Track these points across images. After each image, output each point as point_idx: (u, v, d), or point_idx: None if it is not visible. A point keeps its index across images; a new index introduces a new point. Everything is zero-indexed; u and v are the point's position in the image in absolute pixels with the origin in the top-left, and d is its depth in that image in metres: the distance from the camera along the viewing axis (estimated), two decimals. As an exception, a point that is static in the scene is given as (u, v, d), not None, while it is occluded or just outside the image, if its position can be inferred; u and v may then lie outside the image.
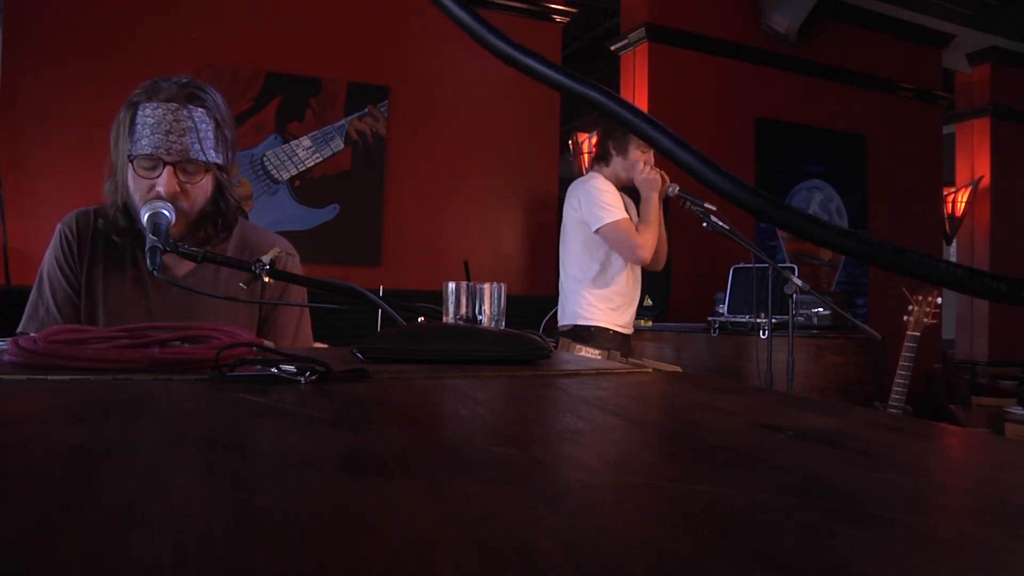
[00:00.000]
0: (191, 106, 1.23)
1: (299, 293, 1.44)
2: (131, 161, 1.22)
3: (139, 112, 1.21)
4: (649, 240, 2.46)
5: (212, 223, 1.32)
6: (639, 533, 0.29)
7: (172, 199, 1.23)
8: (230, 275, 1.33)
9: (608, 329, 2.54)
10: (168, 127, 1.20)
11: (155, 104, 1.21)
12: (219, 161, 1.28)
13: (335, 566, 0.24)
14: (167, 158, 1.21)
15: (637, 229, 2.47)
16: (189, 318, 1.29)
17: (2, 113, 3.26)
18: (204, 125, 1.24)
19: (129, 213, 1.27)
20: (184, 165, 1.24)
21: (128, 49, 3.48)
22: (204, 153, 1.24)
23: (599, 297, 2.54)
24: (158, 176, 1.22)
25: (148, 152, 1.20)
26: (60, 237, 1.31)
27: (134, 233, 1.29)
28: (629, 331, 2.64)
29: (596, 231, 2.47)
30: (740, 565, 0.25)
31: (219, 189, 1.31)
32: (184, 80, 1.26)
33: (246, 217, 1.50)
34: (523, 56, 0.32)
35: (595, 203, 2.47)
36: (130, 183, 1.23)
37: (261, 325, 1.40)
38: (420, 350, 0.90)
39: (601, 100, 0.30)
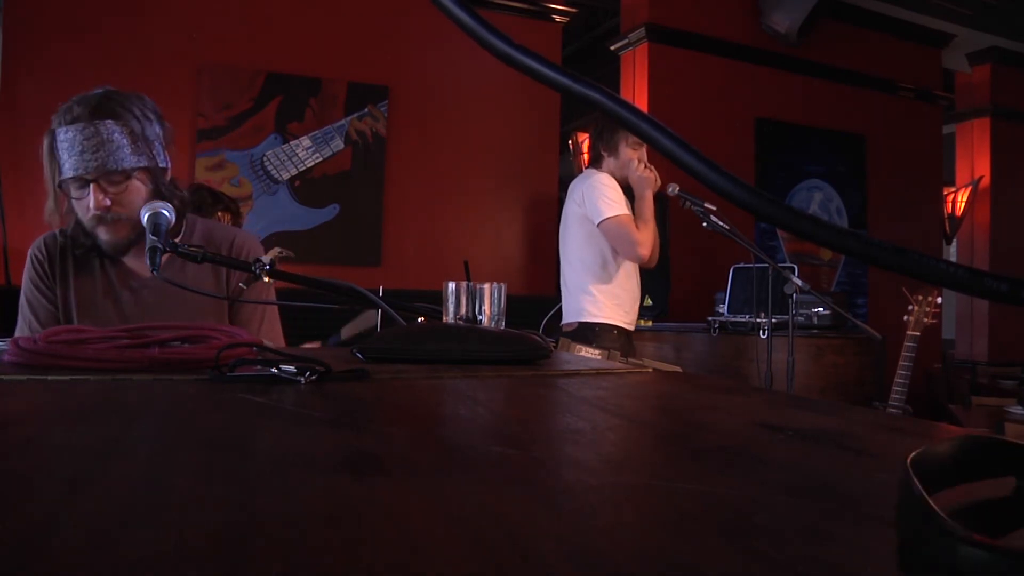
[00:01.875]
0: (97, 121, 1.25)
1: (265, 288, 1.45)
2: (61, 188, 1.28)
3: (56, 138, 1.26)
4: (648, 238, 2.46)
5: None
6: (639, 533, 0.29)
7: (104, 212, 1.27)
8: (197, 272, 1.37)
9: (613, 326, 2.53)
10: (81, 147, 1.24)
11: (65, 128, 1.25)
12: (141, 164, 1.30)
13: (335, 566, 0.24)
14: (88, 176, 1.26)
15: (637, 226, 2.47)
16: (164, 318, 1.33)
17: (2, 113, 3.26)
18: (117, 135, 1.27)
19: (86, 230, 1.33)
20: (107, 177, 1.27)
21: (128, 49, 3.48)
22: (119, 162, 1.27)
23: (604, 292, 2.53)
24: (86, 196, 1.27)
25: (71, 175, 1.25)
26: (32, 260, 1.37)
27: (96, 247, 1.35)
28: (633, 327, 2.63)
29: (598, 224, 2.47)
30: (740, 565, 0.25)
31: (156, 189, 1.34)
32: (98, 93, 1.29)
33: (238, 213, 1.53)
34: (523, 56, 0.32)
35: (599, 197, 2.47)
36: (68, 208, 1.30)
37: (230, 319, 1.44)
38: (420, 350, 0.90)
39: (601, 100, 0.30)
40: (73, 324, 1.34)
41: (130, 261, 1.37)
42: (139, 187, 1.31)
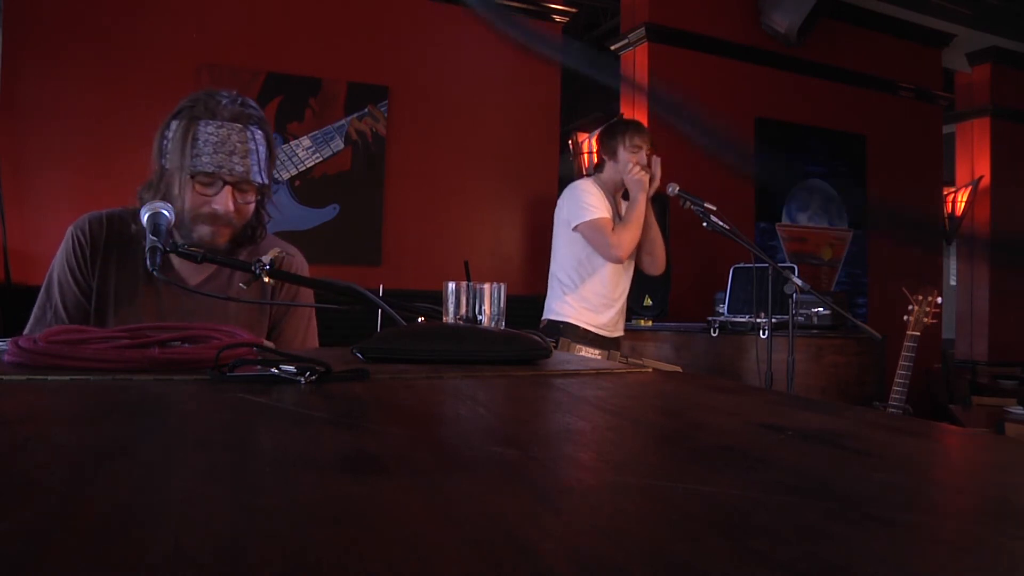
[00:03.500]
0: (253, 127, 1.25)
1: (308, 298, 1.44)
2: (191, 177, 1.23)
3: (201, 128, 1.22)
4: (626, 239, 2.48)
5: (246, 238, 1.34)
6: (639, 533, 0.29)
7: (227, 217, 1.26)
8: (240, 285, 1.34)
9: (579, 326, 2.56)
10: (232, 148, 1.22)
11: (219, 122, 1.22)
12: (267, 182, 1.31)
13: (335, 566, 0.24)
14: (228, 179, 1.24)
15: (615, 228, 2.49)
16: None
17: (2, 113, 3.26)
18: (262, 148, 1.27)
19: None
20: (241, 186, 1.26)
21: (128, 49, 3.47)
22: (261, 175, 1.27)
23: (573, 295, 2.58)
24: (215, 194, 1.24)
25: (210, 170, 1.22)
26: (72, 240, 1.30)
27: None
28: (611, 333, 2.63)
29: (574, 228, 2.52)
30: (740, 565, 0.25)
31: (258, 206, 1.34)
32: (239, 98, 1.28)
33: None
34: None
35: (577, 203, 2.52)
36: (187, 198, 1.24)
37: (270, 331, 1.40)
38: (420, 350, 0.90)
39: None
40: (107, 316, 1.29)
41: (176, 261, 1.32)
42: (253, 202, 1.31)
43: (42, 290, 1.31)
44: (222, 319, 1.29)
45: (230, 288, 1.34)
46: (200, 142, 1.21)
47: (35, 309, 1.31)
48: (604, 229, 2.48)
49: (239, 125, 1.23)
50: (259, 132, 1.26)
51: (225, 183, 1.24)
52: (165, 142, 1.25)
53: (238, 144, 1.22)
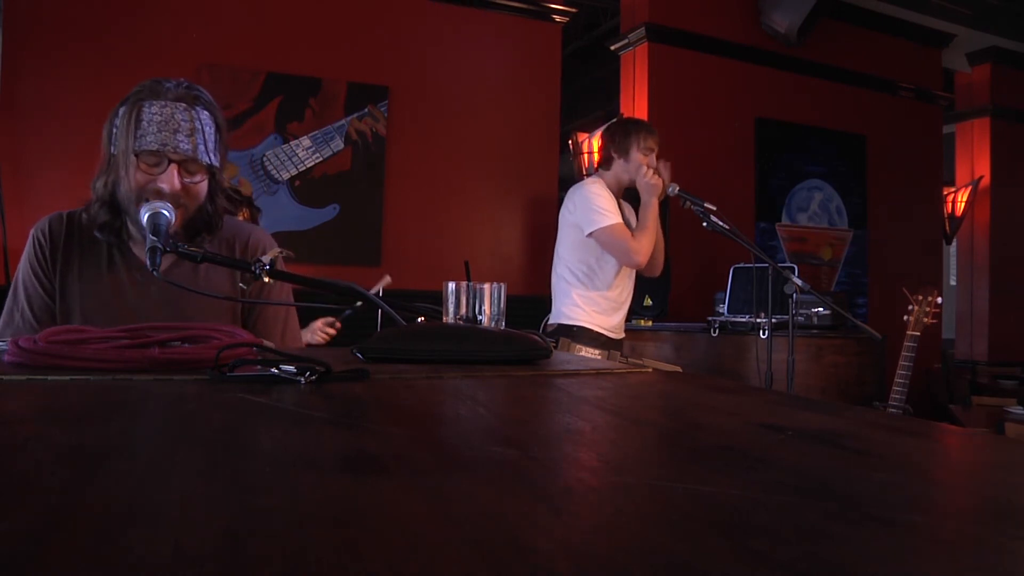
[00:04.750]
0: (198, 107, 1.25)
1: (282, 289, 1.43)
2: (136, 156, 1.22)
3: (145, 109, 1.22)
4: (645, 244, 2.47)
5: (202, 224, 1.33)
6: (639, 533, 0.29)
7: (175, 197, 1.24)
8: (209, 271, 1.34)
9: (591, 329, 2.55)
10: (176, 126, 1.22)
11: (163, 102, 1.22)
12: (217, 164, 1.30)
13: (335, 566, 0.24)
14: (173, 156, 1.23)
15: (633, 234, 2.48)
16: (171, 315, 1.29)
17: (2, 113, 3.26)
18: (208, 128, 1.27)
19: (115, 207, 1.27)
20: (188, 165, 1.25)
21: (128, 49, 3.47)
22: (208, 155, 1.27)
23: (585, 299, 2.57)
24: (162, 173, 1.23)
25: (155, 148, 1.22)
26: (33, 241, 1.32)
27: (115, 229, 1.28)
28: (618, 335, 2.63)
29: (590, 235, 2.49)
30: (740, 565, 0.25)
31: (211, 191, 1.32)
32: (186, 82, 1.28)
33: (258, 210, 1.50)
34: None
35: (590, 207, 2.49)
36: (133, 177, 1.23)
37: (245, 322, 1.39)
38: (420, 350, 0.90)
39: None
40: (74, 313, 1.29)
41: (139, 251, 1.31)
42: (204, 185, 1.30)
43: (10, 293, 1.32)
44: (193, 307, 1.29)
45: (195, 276, 1.34)
46: (144, 122, 1.21)
47: (4, 313, 1.31)
48: (623, 235, 2.46)
49: (183, 104, 1.23)
50: (205, 113, 1.26)
51: (171, 161, 1.23)
52: (114, 129, 1.26)
53: (183, 122, 1.22)
